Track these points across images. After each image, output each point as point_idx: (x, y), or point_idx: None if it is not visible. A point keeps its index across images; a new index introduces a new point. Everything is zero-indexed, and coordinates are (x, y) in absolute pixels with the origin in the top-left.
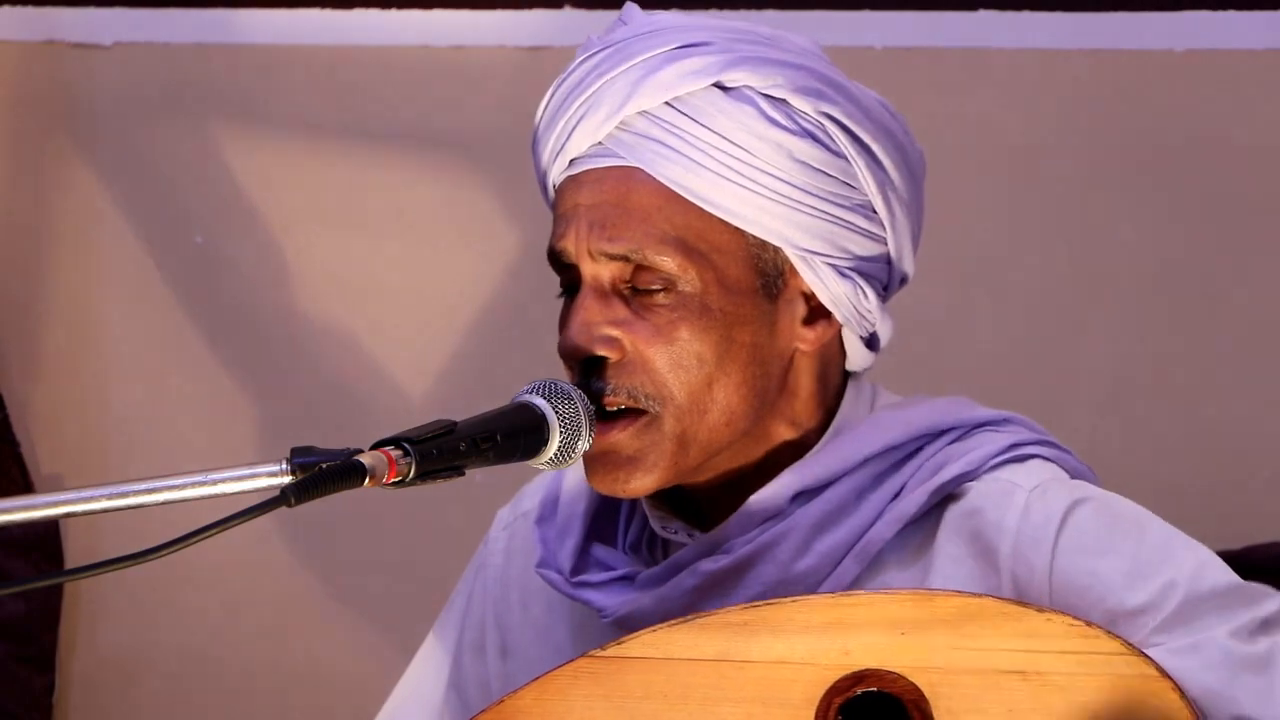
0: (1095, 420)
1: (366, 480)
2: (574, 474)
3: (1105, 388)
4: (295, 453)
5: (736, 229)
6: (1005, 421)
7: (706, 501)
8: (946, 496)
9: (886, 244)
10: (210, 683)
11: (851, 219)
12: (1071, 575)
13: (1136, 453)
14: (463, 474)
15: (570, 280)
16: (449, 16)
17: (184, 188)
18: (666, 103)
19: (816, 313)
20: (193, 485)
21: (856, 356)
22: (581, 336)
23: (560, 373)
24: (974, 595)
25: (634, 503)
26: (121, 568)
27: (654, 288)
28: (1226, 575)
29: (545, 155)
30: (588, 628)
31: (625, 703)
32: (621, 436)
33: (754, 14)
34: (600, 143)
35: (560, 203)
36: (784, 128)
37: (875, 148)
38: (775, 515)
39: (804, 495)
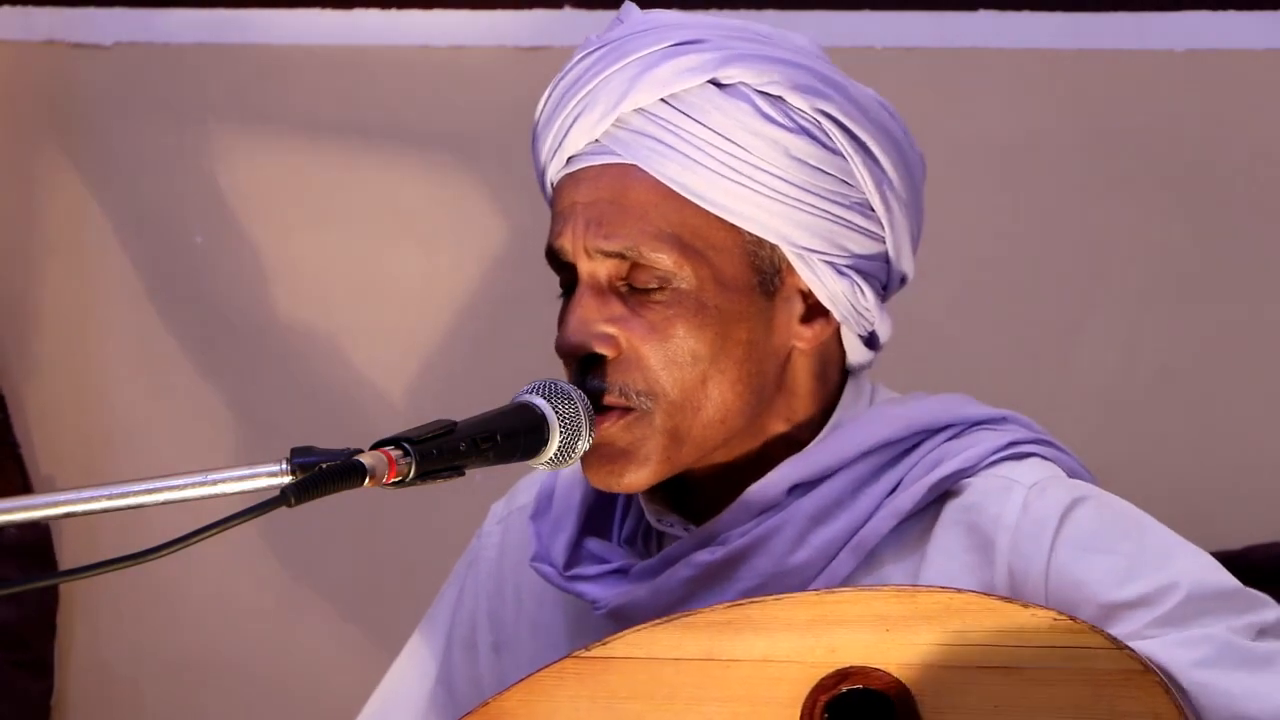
0: (1095, 420)
1: (366, 480)
2: (569, 468)
3: (1105, 388)
4: (295, 453)
5: (733, 226)
6: (1003, 420)
7: (702, 495)
8: (944, 492)
9: (884, 242)
10: (210, 686)
11: (849, 217)
12: (1069, 570)
13: (1136, 453)
14: (463, 474)
15: (569, 279)
16: (448, 16)
17: (183, 188)
18: (663, 100)
19: (814, 311)
20: (192, 485)
21: (855, 355)
22: (578, 334)
23: (560, 373)
24: (958, 591)
25: (629, 497)
26: (121, 568)
27: (650, 285)
28: (1229, 579)
29: (544, 153)
30: (583, 621)
31: (611, 703)
32: (613, 429)
33: (754, 14)
34: (597, 140)
35: (558, 200)
36: (780, 125)
37: (873, 146)
38: (771, 507)
39: (801, 488)
